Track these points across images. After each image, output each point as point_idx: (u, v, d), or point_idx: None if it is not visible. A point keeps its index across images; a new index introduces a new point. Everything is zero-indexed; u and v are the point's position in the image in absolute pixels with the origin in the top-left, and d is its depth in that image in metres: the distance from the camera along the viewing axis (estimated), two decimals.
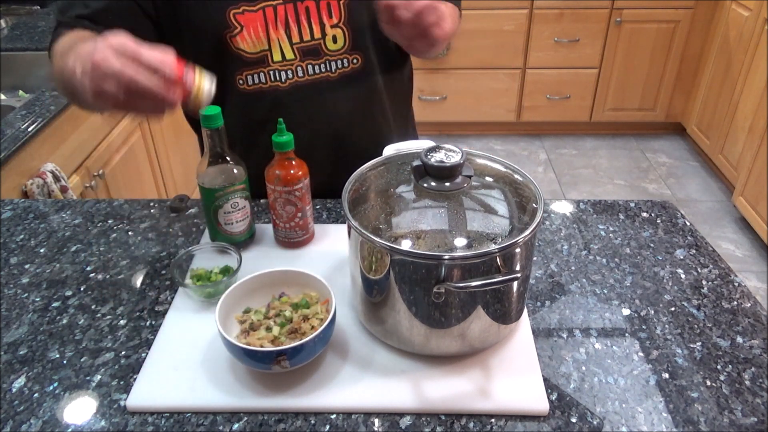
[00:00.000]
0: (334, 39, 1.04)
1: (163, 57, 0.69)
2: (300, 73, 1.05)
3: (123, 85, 0.67)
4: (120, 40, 0.69)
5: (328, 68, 1.06)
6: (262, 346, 0.72)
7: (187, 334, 0.81)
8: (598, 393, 0.73)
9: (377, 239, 0.69)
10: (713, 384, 0.74)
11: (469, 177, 0.75)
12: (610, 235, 1.01)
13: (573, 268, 0.94)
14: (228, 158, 0.91)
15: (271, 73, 1.05)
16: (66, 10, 0.99)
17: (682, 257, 0.96)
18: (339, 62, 1.06)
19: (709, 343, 0.80)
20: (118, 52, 0.67)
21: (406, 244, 0.69)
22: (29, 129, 1.46)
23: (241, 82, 1.04)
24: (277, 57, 1.03)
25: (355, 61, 1.06)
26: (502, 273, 0.69)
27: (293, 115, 1.03)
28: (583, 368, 0.76)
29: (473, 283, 0.67)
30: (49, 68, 0.93)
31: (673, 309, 0.86)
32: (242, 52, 1.02)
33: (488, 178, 0.79)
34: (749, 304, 0.86)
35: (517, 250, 0.70)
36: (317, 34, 1.03)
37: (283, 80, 1.05)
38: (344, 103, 1.09)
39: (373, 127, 1.15)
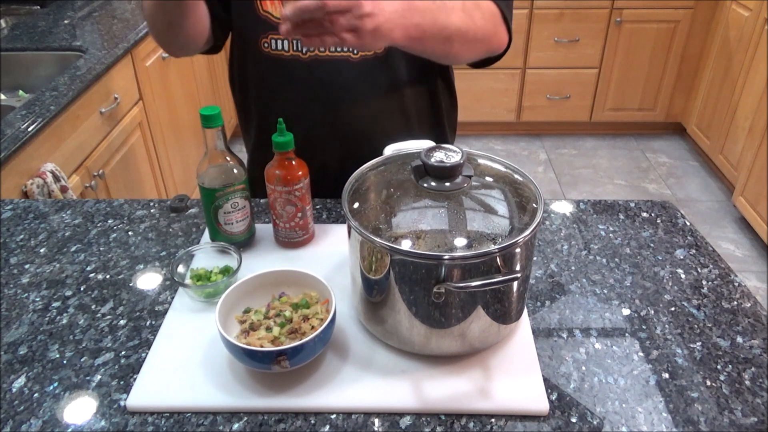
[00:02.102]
0: None
1: None
2: (322, 48, 1.04)
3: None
4: None
5: (350, 49, 1.04)
6: (262, 346, 0.72)
7: (187, 334, 0.81)
8: (598, 393, 0.73)
9: (377, 239, 0.69)
10: (713, 384, 0.74)
11: (469, 177, 0.75)
12: (610, 235, 1.01)
13: (573, 268, 0.94)
14: (228, 158, 0.91)
15: (295, 42, 1.05)
16: None
17: (682, 257, 0.96)
18: None
19: (709, 343, 0.80)
20: None
21: (406, 244, 0.68)
22: (29, 129, 1.46)
23: (265, 45, 1.05)
24: None
25: (379, 48, 1.04)
26: (502, 273, 0.69)
27: (307, 88, 1.05)
28: (583, 368, 0.76)
29: (473, 283, 0.67)
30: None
31: (673, 309, 0.86)
32: (269, 15, 1.03)
33: (488, 178, 0.79)
34: (749, 304, 0.86)
35: (517, 250, 0.70)
36: None
37: (304, 52, 1.05)
38: (360, 88, 1.07)
39: (389, 121, 1.11)
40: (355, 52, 1.04)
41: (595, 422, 0.69)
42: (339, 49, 1.04)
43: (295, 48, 1.05)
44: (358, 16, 0.74)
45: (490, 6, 0.95)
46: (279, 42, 1.05)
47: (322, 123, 1.08)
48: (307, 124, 1.06)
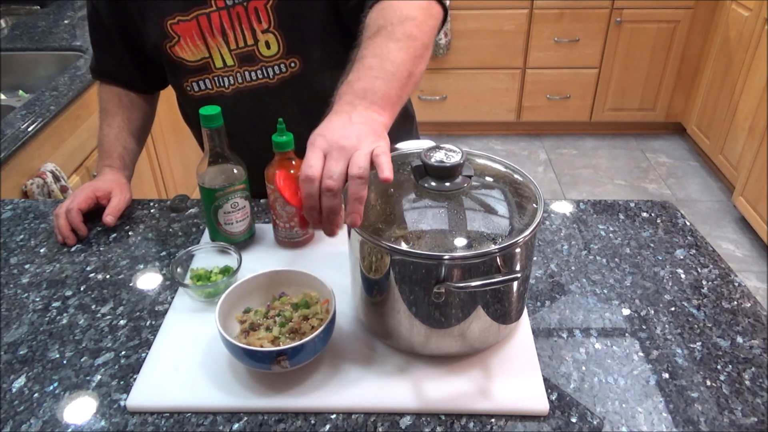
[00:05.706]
0: (267, 45, 1.02)
1: None
2: (240, 80, 1.06)
3: None
4: None
5: (266, 74, 1.05)
6: (262, 346, 0.72)
7: (187, 334, 0.81)
8: (598, 393, 0.73)
9: (377, 239, 0.69)
10: (713, 384, 0.74)
11: (469, 177, 0.75)
12: (610, 235, 1.01)
13: (573, 268, 0.94)
14: (228, 158, 0.91)
15: (216, 79, 1.07)
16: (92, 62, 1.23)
17: (682, 257, 0.96)
18: (276, 68, 1.04)
19: (709, 343, 0.80)
20: None
21: (406, 244, 0.68)
22: (29, 129, 1.46)
23: (188, 88, 1.08)
24: (218, 63, 1.05)
25: (293, 65, 1.04)
26: (502, 273, 0.69)
27: (239, 120, 1.05)
28: (583, 368, 0.76)
29: (473, 283, 0.67)
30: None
31: (673, 309, 0.86)
32: (183, 60, 1.05)
33: (488, 178, 0.79)
34: (749, 304, 0.86)
35: (517, 250, 0.70)
36: (249, 40, 1.02)
37: (226, 86, 1.07)
38: (288, 108, 1.03)
39: None
40: (272, 76, 1.05)
41: (595, 422, 0.69)
42: (255, 78, 1.05)
43: (217, 84, 1.07)
44: (375, 153, 0.66)
45: None
46: (200, 83, 1.08)
47: (265, 149, 0.97)
48: (253, 152, 0.97)
